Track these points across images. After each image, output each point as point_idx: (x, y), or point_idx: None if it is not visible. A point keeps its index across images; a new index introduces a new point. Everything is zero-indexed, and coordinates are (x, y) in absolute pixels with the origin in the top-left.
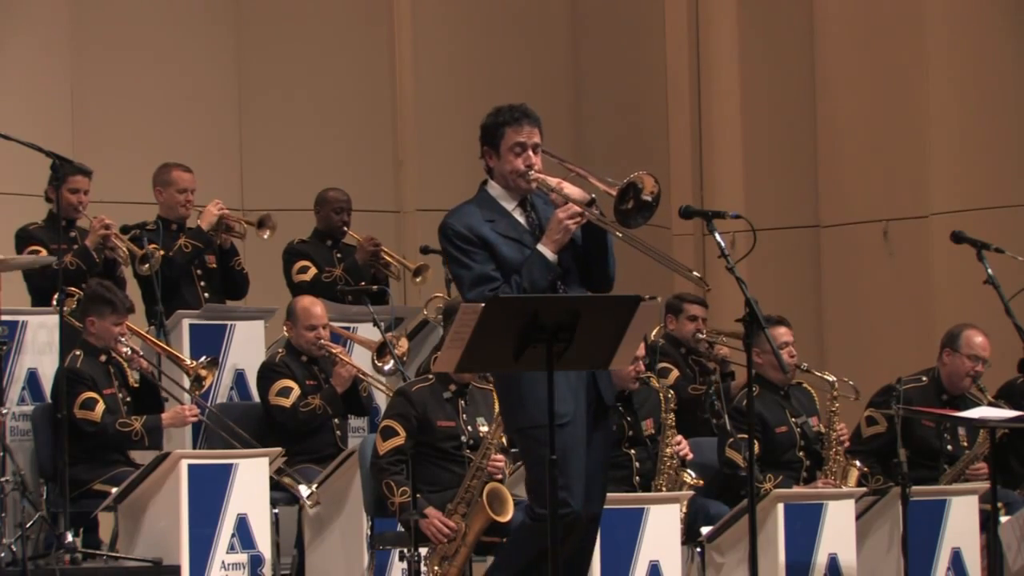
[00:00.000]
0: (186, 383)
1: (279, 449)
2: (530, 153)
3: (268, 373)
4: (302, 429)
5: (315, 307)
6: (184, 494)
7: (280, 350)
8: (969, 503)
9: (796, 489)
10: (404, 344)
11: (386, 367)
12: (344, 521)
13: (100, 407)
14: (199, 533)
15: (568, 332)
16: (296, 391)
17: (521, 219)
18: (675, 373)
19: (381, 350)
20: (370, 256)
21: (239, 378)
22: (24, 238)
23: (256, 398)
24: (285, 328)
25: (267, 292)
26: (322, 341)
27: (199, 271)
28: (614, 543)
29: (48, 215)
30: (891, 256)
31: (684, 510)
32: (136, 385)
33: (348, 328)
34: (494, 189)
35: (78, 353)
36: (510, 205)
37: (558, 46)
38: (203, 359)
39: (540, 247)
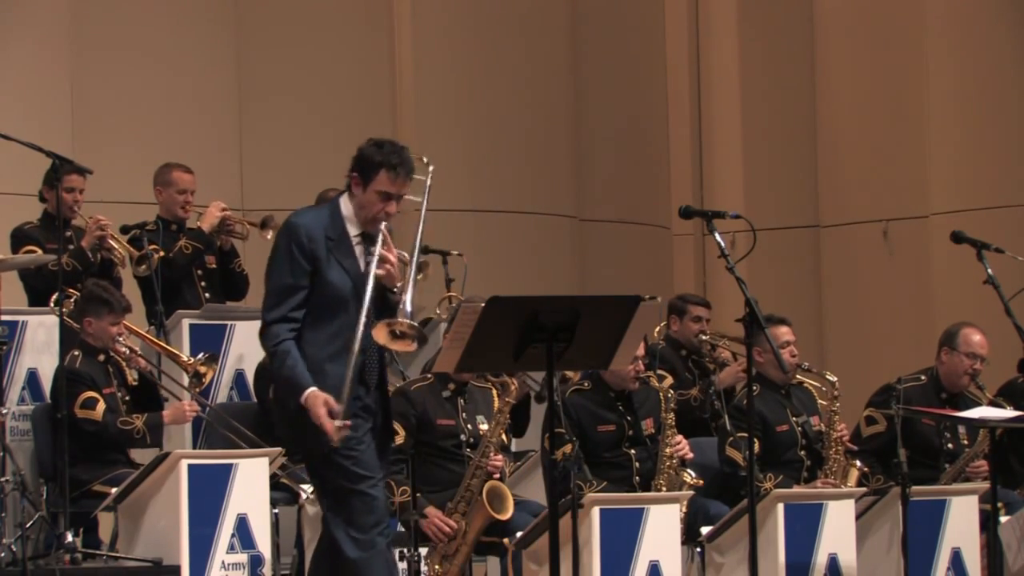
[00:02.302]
0: (185, 381)
1: (279, 449)
2: (393, 203)
3: (265, 373)
4: None
5: None
6: (184, 494)
7: None
8: (969, 503)
9: (796, 489)
10: None
11: None
12: None
13: (101, 406)
14: (199, 533)
15: (568, 332)
16: None
17: (359, 249)
18: (669, 380)
19: None
20: None
21: (239, 378)
22: (19, 238)
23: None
24: None
25: None
26: None
27: (199, 271)
28: (614, 543)
29: (43, 215)
30: (891, 256)
31: (684, 510)
32: (135, 384)
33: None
34: (346, 208)
35: (76, 353)
36: (353, 231)
37: (558, 47)
38: (201, 355)
39: (308, 394)
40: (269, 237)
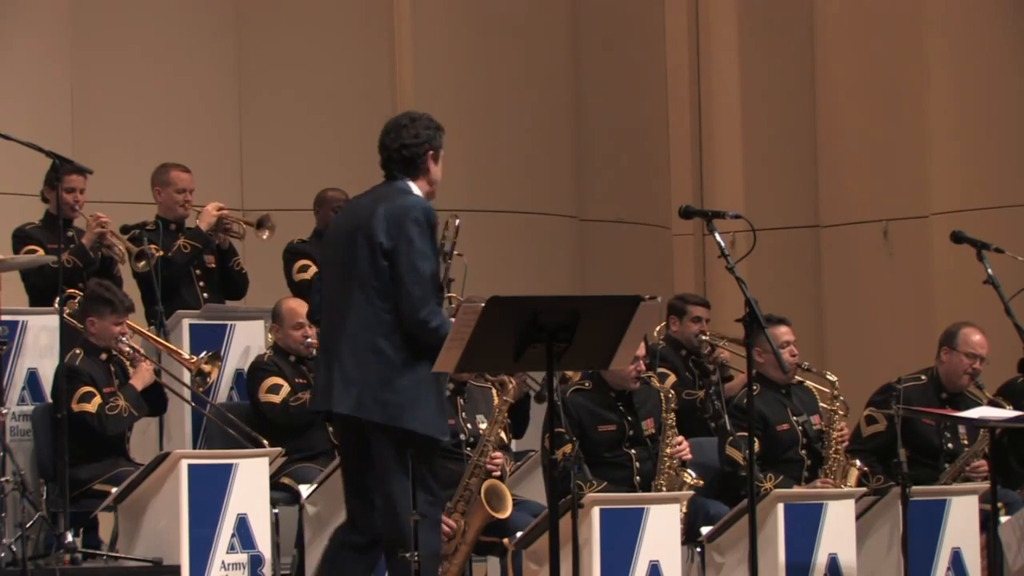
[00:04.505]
0: (187, 378)
1: (279, 449)
2: None
3: (257, 372)
4: (293, 424)
5: (300, 307)
6: (184, 494)
7: (267, 352)
8: (969, 503)
9: (796, 489)
10: None
11: None
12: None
13: (96, 400)
14: (199, 533)
15: (568, 332)
16: (286, 388)
17: None
18: (672, 378)
19: None
20: None
21: (239, 378)
22: (21, 238)
23: None
24: (271, 331)
25: (267, 292)
26: (310, 340)
27: (198, 271)
28: (614, 543)
29: (45, 215)
30: (891, 256)
31: (684, 510)
32: None
33: None
34: (420, 191)
35: (78, 352)
36: None
37: (558, 47)
38: (204, 354)
39: None
40: (265, 237)
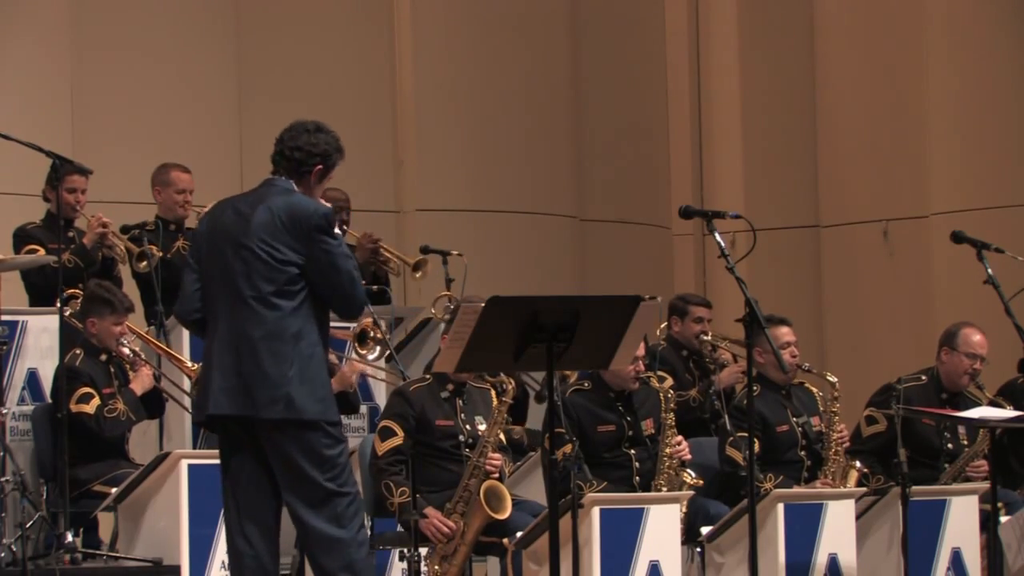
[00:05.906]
0: (186, 385)
1: None
2: None
3: None
4: None
5: None
6: (184, 494)
7: None
8: (969, 503)
9: (796, 489)
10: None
11: (371, 355)
12: None
13: (95, 401)
14: (199, 533)
15: (568, 332)
16: None
17: None
18: (669, 382)
19: (361, 338)
20: (370, 253)
21: None
22: (22, 237)
23: None
24: None
25: None
26: None
27: None
28: (614, 543)
29: (46, 215)
30: (891, 256)
31: (684, 510)
32: None
33: (348, 328)
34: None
35: (78, 352)
36: None
37: (558, 46)
38: None
39: None
40: None
